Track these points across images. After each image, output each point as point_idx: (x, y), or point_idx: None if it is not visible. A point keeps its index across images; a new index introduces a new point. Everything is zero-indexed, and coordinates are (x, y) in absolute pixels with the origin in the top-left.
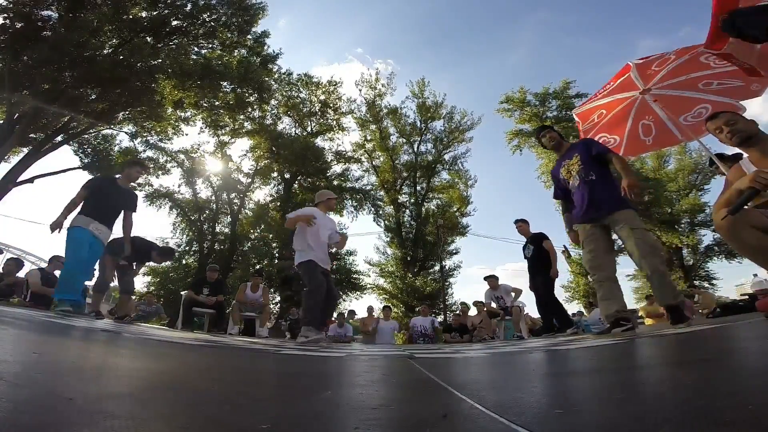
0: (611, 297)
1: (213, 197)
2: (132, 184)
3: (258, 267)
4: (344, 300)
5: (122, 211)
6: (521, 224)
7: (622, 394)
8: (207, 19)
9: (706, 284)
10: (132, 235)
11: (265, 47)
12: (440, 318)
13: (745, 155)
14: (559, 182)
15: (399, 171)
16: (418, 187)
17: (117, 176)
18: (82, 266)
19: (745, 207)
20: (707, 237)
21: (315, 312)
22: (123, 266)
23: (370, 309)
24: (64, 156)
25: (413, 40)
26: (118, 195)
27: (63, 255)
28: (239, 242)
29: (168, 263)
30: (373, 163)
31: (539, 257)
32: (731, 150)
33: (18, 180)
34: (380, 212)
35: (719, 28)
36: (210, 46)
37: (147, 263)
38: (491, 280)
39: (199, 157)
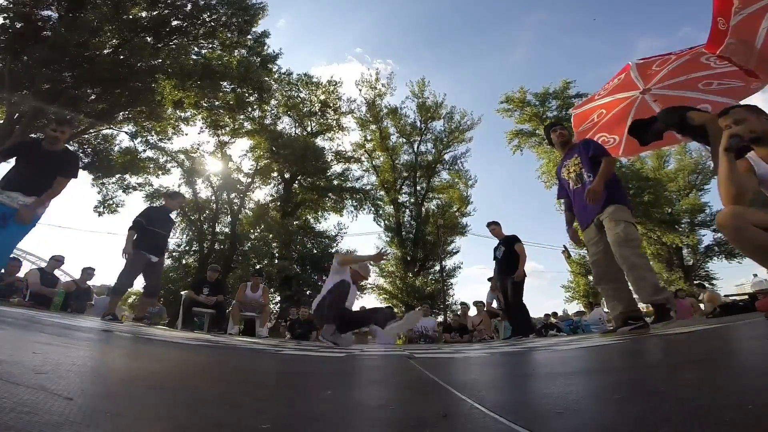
0: (614, 299)
1: (213, 197)
2: (65, 146)
3: (258, 267)
4: None
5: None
6: (494, 227)
7: (622, 394)
8: (207, 19)
9: (706, 284)
10: (147, 207)
11: (265, 47)
12: (440, 318)
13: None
14: (561, 181)
15: (399, 171)
16: (418, 187)
17: (41, 138)
18: None
19: (745, 206)
20: (707, 237)
21: None
22: (154, 264)
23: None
24: None
25: (413, 40)
26: (45, 158)
27: (62, 255)
28: (239, 242)
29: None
30: (373, 163)
31: (509, 259)
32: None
33: None
34: (380, 212)
35: (714, 30)
36: (210, 46)
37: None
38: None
39: (199, 157)
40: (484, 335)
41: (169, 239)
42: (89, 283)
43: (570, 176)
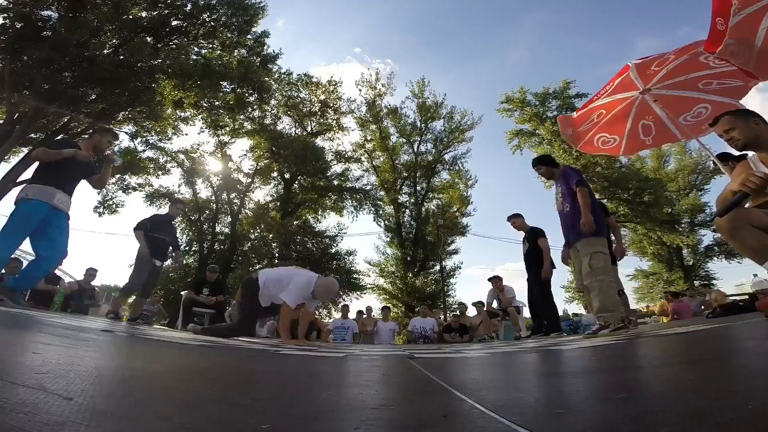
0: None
1: (213, 197)
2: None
3: (258, 267)
4: (344, 299)
5: (82, 180)
6: (515, 219)
7: (622, 394)
8: (207, 19)
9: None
10: (153, 214)
11: (265, 47)
12: (440, 318)
13: (751, 153)
14: (557, 206)
15: (399, 171)
16: (418, 187)
17: (79, 141)
18: (11, 247)
19: (745, 207)
20: (707, 237)
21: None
22: (157, 268)
23: (369, 309)
24: None
25: (412, 40)
26: (84, 163)
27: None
28: (239, 242)
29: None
30: (373, 163)
31: (534, 254)
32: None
33: (18, 180)
34: (380, 212)
35: (713, 30)
36: (210, 46)
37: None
38: (496, 281)
39: (199, 157)
40: (483, 335)
41: (176, 243)
42: (92, 283)
43: (557, 203)
